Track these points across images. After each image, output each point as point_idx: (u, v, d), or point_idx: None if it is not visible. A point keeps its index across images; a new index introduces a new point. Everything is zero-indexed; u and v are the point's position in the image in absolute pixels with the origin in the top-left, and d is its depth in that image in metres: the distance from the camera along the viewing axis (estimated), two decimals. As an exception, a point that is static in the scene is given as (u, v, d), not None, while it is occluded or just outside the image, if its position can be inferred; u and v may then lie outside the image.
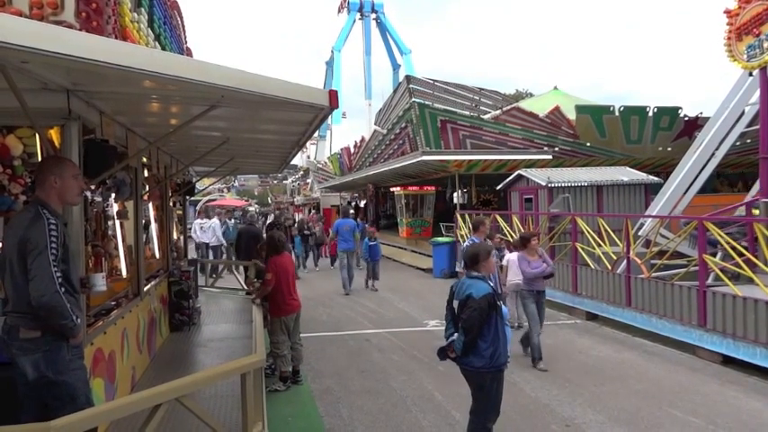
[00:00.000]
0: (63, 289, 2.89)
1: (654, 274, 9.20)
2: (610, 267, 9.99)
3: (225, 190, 55.03)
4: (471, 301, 4.18)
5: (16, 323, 2.94)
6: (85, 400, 3.08)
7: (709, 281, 8.35)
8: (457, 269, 15.75)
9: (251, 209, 31.03)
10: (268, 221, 17.79)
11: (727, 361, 7.28)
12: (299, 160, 55.37)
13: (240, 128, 5.56)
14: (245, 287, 10.27)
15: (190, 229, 18.30)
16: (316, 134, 13.80)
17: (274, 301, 6.62)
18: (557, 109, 18.85)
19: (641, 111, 18.66)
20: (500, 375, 4.32)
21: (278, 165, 9.84)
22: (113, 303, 4.93)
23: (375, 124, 26.14)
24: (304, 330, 7.85)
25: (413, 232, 23.34)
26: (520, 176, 15.01)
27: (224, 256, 16.63)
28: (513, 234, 12.99)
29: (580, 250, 10.85)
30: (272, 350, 6.60)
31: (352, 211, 20.30)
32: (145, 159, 6.12)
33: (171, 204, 8.72)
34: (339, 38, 57.98)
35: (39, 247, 2.85)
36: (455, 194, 23.17)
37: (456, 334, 4.33)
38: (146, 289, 5.93)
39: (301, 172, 59.33)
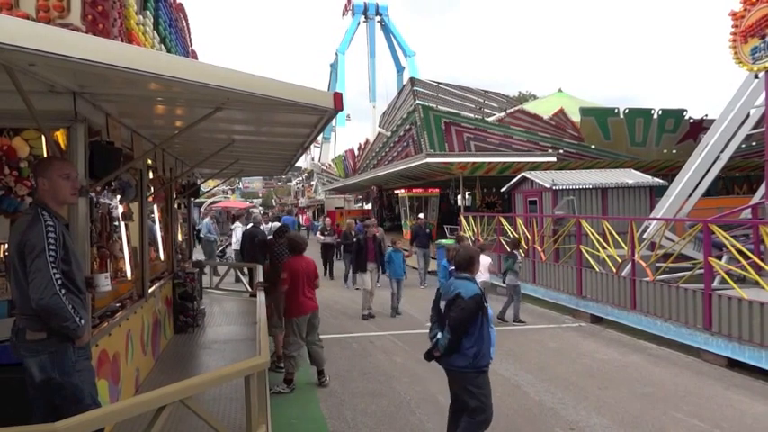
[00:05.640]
0: (64, 290, 2.88)
1: (659, 277, 9.17)
2: (614, 270, 9.97)
3: (229, 192, 55.15)
4: (460, 301, 4.25)
5: (23, 325, 2.96)
6: (92, 401, 3.08)
7: (715, 284, 8.32)
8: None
9: (255, 211, 31.02)
10: (270, 225, 16.79)
11: (733, 364, 7.25)
12: (303, 162, 55.52)
13: (245, 130, 5.57)
14: (249, 289, 10.30)
15: (198, 230, 18.21)
16: (320, 136, 13.61)
17: (287, 301, 6.66)
18: (561, 111, 18.86)
19: (646, 113, 18.64)
20: (483, 376, 4.37)
21: (282, 167, 9.85)
22: (118, 305, 4.94)
23: (379, 126, 26.18)
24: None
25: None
26: (524, 179, 14.99)
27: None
28: (515, 235, 12.97)
29: (585, 253, 10.83)
30: (283, 349, 6.72)
31: (421, 215, 17.42)
32: (150, 161, 6.14)
33: (176, 206, 8.74)
34: (343, 40, 58.08)
35: (36, 249, 2.85)
36: (459, 197, 23.17)
37: (440, 333, 4.42)
38: (150, 290, 5.94)
39: (305, 174, 59.45)
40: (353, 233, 14.63)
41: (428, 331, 4.71)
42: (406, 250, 12.63)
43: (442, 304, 4.49)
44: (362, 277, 11.13)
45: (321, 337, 6.98)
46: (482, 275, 9.67)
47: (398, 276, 11.22)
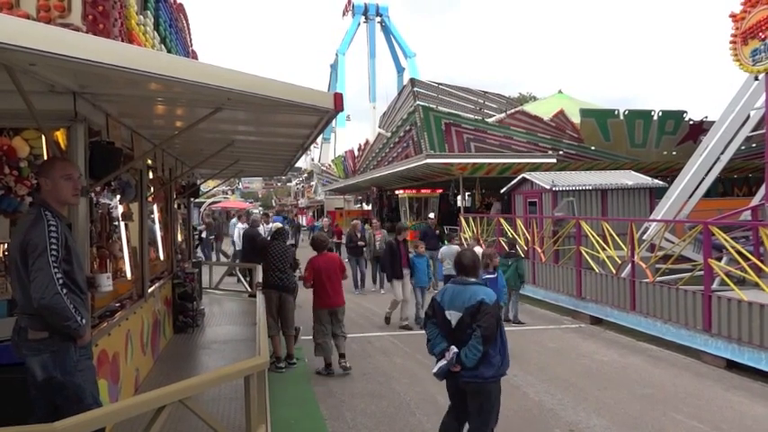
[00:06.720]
0: (65, 290, 2.89)
1: (658, 279, 9.17)
2: (614, 271, 9.97)
3: (229, 192, 55.09)
4: (486, 307, 3.96)
5: (25, 324, 2.96)
6: (93, 400, 3.09)
7: (714, 285, 8.31)
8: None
9: (254, 211, 31.07)
10: (270, 225, 16.46)
11: (732, 366, 7.24)
12: (303, 163, 55.46)
13: (245, 130, 5.57)
14: (249, 289, 10.31)
15: (199, 229, 17.97)
16: (320, 137, 13.53)
17: (313, 294, 7.30)
18: (561, 112, 18.84)
19: (646, 114, 18.62)
20: (499, 384, 4.26)
21: (282, 167, 9.87)
22: (117, 305, 4.94)
23: (379, 127, 26.18)
24: (305, 333, 7.86)
25: (416, 235, 23.31)
26: (524, 180, 14.99)
27: None
28: (516, 237, 12.98)
29: (584, 254, 10.82)
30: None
31: (431, 215, 16.84)
32: (150, 161, 6.14)
33: (175, 206, 8.74)
34: (344, 41, 58.08)
35: (38, 248, 2.85)
36: (459, 197, 23.17)
37: (454, 348, 4.07)
38: (150, 291, 5.94)
39: (305, 174, 59.43)
40: (359, 234, 14.52)
41: (428, 339, 4.39)
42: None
43: (452, 314, 4.09)
44: (396, 285, 9.94)
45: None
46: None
47: (423, 284, 10.12)
